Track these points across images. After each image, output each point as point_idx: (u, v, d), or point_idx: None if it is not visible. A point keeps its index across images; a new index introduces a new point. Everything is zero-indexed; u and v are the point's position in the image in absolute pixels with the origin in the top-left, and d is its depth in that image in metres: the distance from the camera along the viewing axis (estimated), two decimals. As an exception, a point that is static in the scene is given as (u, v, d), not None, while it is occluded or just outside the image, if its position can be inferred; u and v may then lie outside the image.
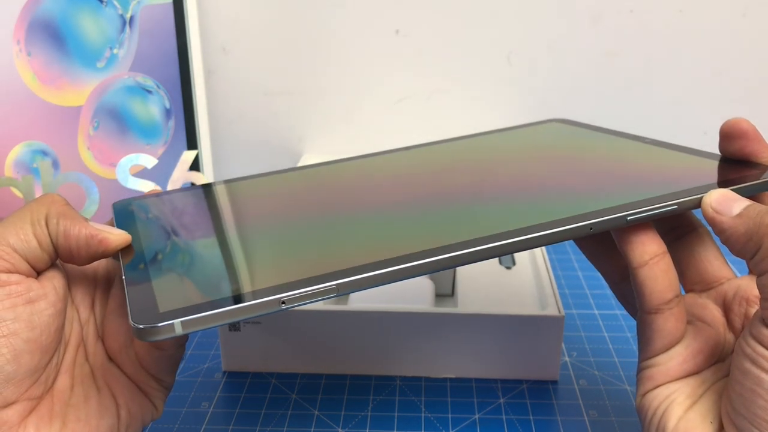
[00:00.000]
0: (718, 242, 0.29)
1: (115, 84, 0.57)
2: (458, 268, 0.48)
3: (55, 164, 0.56)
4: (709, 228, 0.29)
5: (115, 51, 0.57)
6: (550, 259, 0.59)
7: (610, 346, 0.47)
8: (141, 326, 0.23)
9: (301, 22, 0.66)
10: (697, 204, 0.28)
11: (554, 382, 0.43)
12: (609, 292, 0.53)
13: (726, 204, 0.27)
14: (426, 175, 0.36)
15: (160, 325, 0.23)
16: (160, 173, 0.60)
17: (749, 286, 0.30)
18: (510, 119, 0.68)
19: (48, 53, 0.54)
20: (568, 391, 0.43)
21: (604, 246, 0.33)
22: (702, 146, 0.34)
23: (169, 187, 0.60)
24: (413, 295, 0.45)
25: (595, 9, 0.65)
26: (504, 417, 0.40)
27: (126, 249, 0.28)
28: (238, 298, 0.24)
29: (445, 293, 0.50)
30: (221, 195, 0.35)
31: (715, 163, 0.32)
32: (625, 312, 0.50)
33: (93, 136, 0.57)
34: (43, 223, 0.27)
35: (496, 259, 0.50)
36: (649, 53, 0.66)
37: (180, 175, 0.60)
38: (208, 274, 0.27)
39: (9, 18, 0.53)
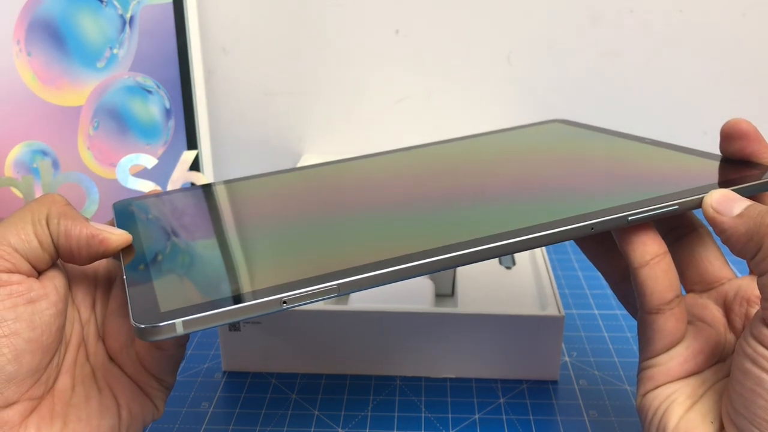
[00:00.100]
0: (719, 242, 0.29)
1: (115, 84, 0.57)
2: (458, 268, 0.48)
3: (55, 164, 0.56)
4: (710, 228, 0.29)
5: (115, 51, 0.57)
6: (550, 259, 0.59)
7: (610, 346, 0.47)
8: (142, 326, 0.23)
9: (301, 22, 0.66)
10: (698, 204, 0.28)
11: (554, 382, 0.43)
12: (609, 292, 0.53)
13: (727, 204, 0.27)
14: (426, 175, 0.36)
15: (161, 324, 0.23)
16: (160, 173, 0.60)
17: (750, 286, 0.30)
18: (510, 119, 0.68)
19: (48, 53, 0.54)
20: (568, 391, 0.43)
21: (604, 246, 0.33)
22: (702, 146, 0.34)
23: (169, 187, 0.60)
24: (413, 295, 0.45)
25: (595, 9, 0.65)
26: (504, 417, 0.40)
27: (127, 249, 0.28)
28: (239, 298, 0.24)
29: (445, 293, 0.50)
30: (221, 195, 0.35)
31: (716, 164, 0.32)
32: (625, 312, 0.50)
33: (93, 136, 0.57)
34: (44, 223, 0.27)
35: (496, 259, 0.50)
36: (649, 53, 0.66)
37: (180, 175, 0.60)
38: (209, 273, 0.27)
39: (9, 18, 0.53)
